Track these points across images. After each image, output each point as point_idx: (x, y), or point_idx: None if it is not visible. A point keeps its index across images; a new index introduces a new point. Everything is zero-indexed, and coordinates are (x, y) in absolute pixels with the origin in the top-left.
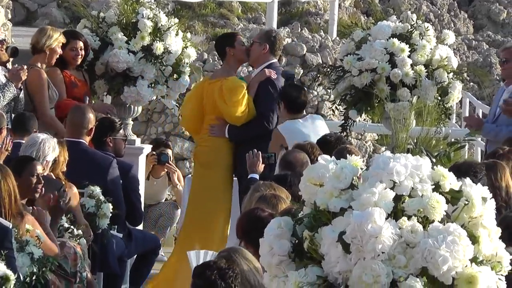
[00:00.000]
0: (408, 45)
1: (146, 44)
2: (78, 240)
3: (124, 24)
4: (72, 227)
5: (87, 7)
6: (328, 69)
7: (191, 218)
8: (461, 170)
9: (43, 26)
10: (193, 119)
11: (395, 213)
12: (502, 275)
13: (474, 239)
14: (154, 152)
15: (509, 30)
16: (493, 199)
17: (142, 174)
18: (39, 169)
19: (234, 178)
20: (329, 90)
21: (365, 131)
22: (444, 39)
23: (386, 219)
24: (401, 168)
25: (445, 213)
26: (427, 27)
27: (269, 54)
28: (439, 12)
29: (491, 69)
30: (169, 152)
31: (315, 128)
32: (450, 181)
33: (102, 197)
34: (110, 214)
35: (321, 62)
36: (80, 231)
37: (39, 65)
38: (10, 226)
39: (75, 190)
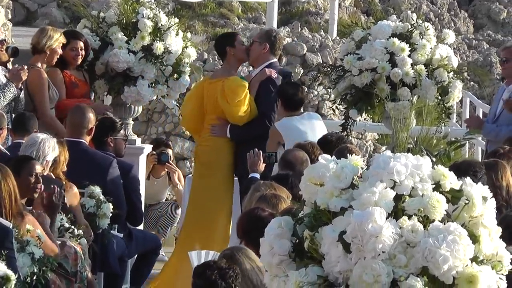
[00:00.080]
0: (408, 45)
1: (146, 44)
2: (78, 240)
3: (124, 24)
4: (72, 227)
5: (87, 7)
6: (328, 69)
7: (192, 218)
8: (461, 169)
9: (44, 26)
10: (193, 119)
11: (396, 213)
12: (502, 274)
13: (474, 239)
14: (155, 152)
15: (509, 29)
16: (493, 199)
17: (143, 174)
18: (38, 168)
19: (235, 178)
20: (329, 90)
21: (366, 130)
22: (444, 38)
23: (387, 218)
24: (401, 167)
25: (445, 213)
26: (427, 27)
27: (269, 54)
28: (439, 11)
29: (491, 68)
30: (170, 151)
31: (312, 125)
32: (450, 181)
33: (102, 197)
34: (110, 214)
35: (321, 62)
36: (80, 231)
37: (39, 65)
38: (11, 226)
39: (75, 190)
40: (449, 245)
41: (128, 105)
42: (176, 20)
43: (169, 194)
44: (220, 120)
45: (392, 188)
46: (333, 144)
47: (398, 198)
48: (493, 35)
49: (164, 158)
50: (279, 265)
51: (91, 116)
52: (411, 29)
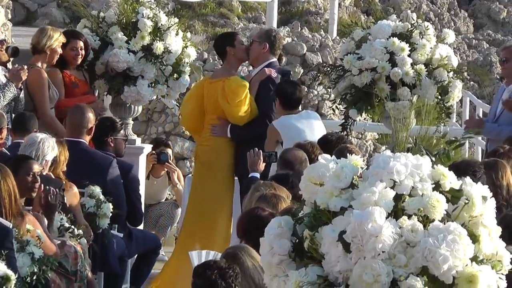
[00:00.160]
0: (408, 44)
1: (146, 44)
2: (78, 240)
3: (124, 23)
4: (72, 227)
5: (87, 7)
6: (328, 68)
7: (192, 217)
8: (460, 169)
9: (43, 26)
10: (193, 119)
11: (395, 212)
12: (502, 274)
13: (474, 238)
14: (154, 152)
15: (509, 29)
16: (493, 198)
17: (143, 173)
18: (36, 168)
19: (235, 178)
20: (329, 90)
21: (366, 130)
22: (444, 38)
23: (387, 218)
24: (401, 167)
25: (445, 212)
26: (427, 26)
27: (269, 53)
28: (439, 11)
29: (491, 68)
30: (169, 151)
31: (310, 123)
32: (450, 180)
33: (102, 197)
34: (110, 214)
35: (321, 62)
36: (80, 231)
37: (39, 65)
38: (11, 226)
39: (75, 189)
40: (449, 244)
41: (128, 105)
42: (176, 20)
43: (169, 194)
44: (220, 120)
45: (392, 187)
46: (333, 144)
47: (398, 197)
48: (493, 34)
49: (163, 157)
50: (279, 265)
51: (91, 115)
52: (411, 28)
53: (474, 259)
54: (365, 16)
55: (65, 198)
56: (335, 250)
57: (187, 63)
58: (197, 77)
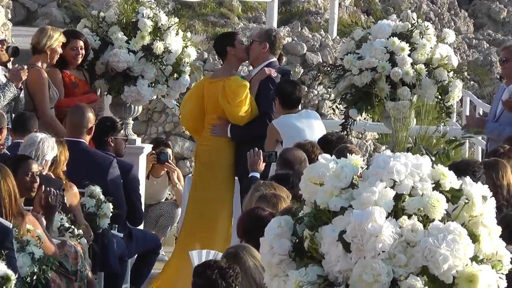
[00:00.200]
0: (408, 44)
1: (146, 44)
2: (78, 240)
3: (124, 23)
4: (72, 227)
5: (87, 7)
6: (329, 68)
7: (192, 217)
8: (460, 169)
9: (43, 26)
10: (193, 118)
11: (396, 212)
12: (502, 273)
13: (474, 238)
14: (154, 152)
15: (509, 28)
16: (493, 198)
17: (143, 173)
18: (35, 167)
19: (235, 178)
20: (329, 89)
21: (366, 130)
22: (444, 38)
23: (387, 218)
24: (401, 167)
25: (445, 212)
26: (427, 26)
27: (269, 53)
28: (439, 11)
29: (491, 67)
30: (169, 151)
31: (310, 123)
32: (450, 180)
33: (102, 197)
34: (111, 214)
35: (321, 61)
36: (80, 231)
37: (39, 64)
38: (11, 226)
39: (75, 189)
40: (449, 244)
41: (128, 105)
42: (176, 19)
43: (169, 194)
44: (220, 119)
45: (392, 187)
46: (333, 144)
47: (398, 197)
48: (493, 34)
49: (163, 157)
50: (279, 265)
51: (91, 115)
52: (411, 28)
53: (474, 258)
54: (365, 16)
55: (65, 198)
56: (335, 250)
57: (187, 63)
58: (197, 77)
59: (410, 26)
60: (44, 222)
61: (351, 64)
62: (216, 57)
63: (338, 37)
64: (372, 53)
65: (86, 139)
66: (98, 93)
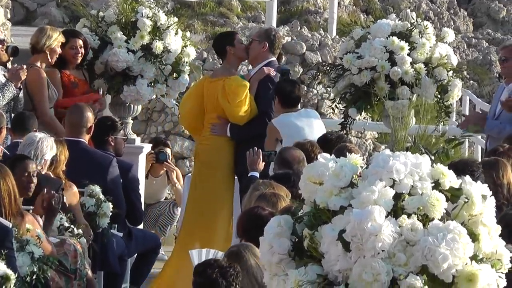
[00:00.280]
0: (407, 43)
1: (145, 43)
2: (78, 240)
3: (123, 23)
4: (72, 226)
5: (87, 7)
6: (328, 68)
7: (192, 217)
8: (458, 168)
9: (43, 26)
10: (192, 117)
11: (395, 211)
12: (502, 273)
13: (474, 237)
14: (153, 151)
15: (508, 28)
16: (493, 197)
17: (142, 173)
18: (32, 167)
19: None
20: (328, 89)
21: (365, 129)
22: (444, 37)
23: (386, 217)
24: (400, 166)
25: (445, 211)
26: (427, 25)
27: (268, 53)
28: (439, 10)
29: (490, 67)
30: (168, 151)
31: (310, 121)
32: (450, 179)
33: (102, 196)
34: (110, 213)
35: (320, 61)
36: (80, 231)
37: (38, 64)
38: (11, 226)
39: (75, 189)
40: (448, 243)
41: (127, 104)
42: (175, 19)
43: (169, 193)
44: (220, 119)
45: (392, 186)
46: (333, 143)
47: (397, 196)
48: (492, 33)
49: (162, 157)
50: (278, 264)
51: (90, 115)
52: (411, 27)
53: (474, 258)
54: (365, 15)
55: (64, 197)
56: (335, 249)
57: (186, 62)
58: (197, 76)
59: (409, 25)
60: (41, 222)
61: (351, 64)
62: (216, 56)
63: (337, 37)
64: (371, 52)
65: (86, 138)
66: (101, 92)
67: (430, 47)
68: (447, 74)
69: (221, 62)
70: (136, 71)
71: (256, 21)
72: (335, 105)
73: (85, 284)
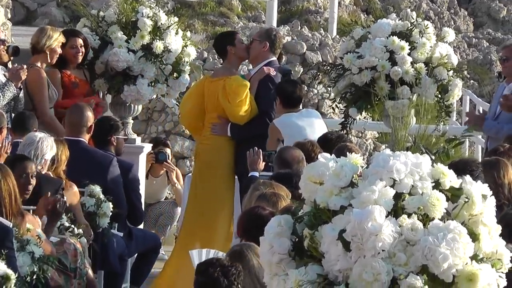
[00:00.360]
0: (408, 43)
1: (146, 43)
2: (79, 239)
3: (123, 23)
4: (72, 226)
5: (87, 6)
6: (328, 67)
7: (192, 216)
8: (458, 168)
9: (43, 26)
10: (193, 117)
11: (395, 211)
12: (502, 272)
13: (474, 237)
14: (153, 151)
15: (509, 27)
16: (493, 197)
17: (143, 173)
18: (31, 168)
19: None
20: (329, 88)
21: (365, 129)
22: (444, 37)
23: (386, 217)
24: (401, 166)
25: (445, 211)
26: (427, 25)
27: (269, 52)
28: (439, 10)
29: (491, 66)
30: (168, 151)
31: (311, 121)
32: (450, 179)
33: (102, 196)
34: (110, 213)
35: (321, 60)
36: (80, 230)
37: (39, 64)
38: (11, 226)
39: (75, 189)
40: (448, 243)
41: (128, 104)
42: (176, 19)
43: (169, 193)
44: (221, 118)
45: (392, 186)
46: (333, 143)
47: (397, 196)
48: (493, 33)
49: (161, 157)
50: (279, 264)
51: (90, 114)
52: (411, 27)
53: (474, 257)
54: (365, 15)
55: (64, 197)
56: (335, 249)
57: (187, 62)
58: (197, 76)
59: (409, 25)
60: (40, 223)
61: (351, 63)
62: (216, 56)
63: (337, 36)
64: (371, 52)
65: (86, 138)
66: (101, 95)
67: (431, 46)
68: (448, 74)
69: (221, 62)
70: (136, 71)
71: (256, 21)
72: (336, 105)
73: (86, 283)
